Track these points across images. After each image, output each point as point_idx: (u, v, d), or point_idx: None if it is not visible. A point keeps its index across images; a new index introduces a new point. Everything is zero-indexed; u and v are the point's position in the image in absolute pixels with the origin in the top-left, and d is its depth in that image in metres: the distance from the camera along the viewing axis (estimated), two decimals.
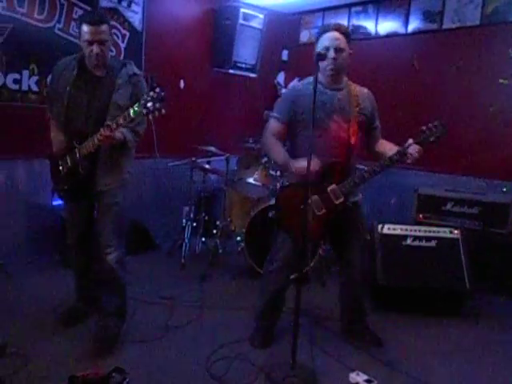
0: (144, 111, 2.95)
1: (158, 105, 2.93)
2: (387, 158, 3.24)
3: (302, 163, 3.19)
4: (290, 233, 3.42)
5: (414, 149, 3.16)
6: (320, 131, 3.25)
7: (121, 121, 3.04)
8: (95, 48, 3.19)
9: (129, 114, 3.01)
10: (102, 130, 3.08)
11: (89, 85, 3.33)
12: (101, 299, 3.60)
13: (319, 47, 3.27)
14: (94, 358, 3.19)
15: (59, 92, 3.34)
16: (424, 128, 3.17)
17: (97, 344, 3.32)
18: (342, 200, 3.29)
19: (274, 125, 3.48)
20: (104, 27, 3.21)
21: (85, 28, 3.17)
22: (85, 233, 3.63)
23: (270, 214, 4.61)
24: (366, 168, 3.29)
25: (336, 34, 3.24)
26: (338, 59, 3.25)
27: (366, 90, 3.52)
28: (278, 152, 3.45)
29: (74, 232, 3.67)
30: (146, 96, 2.95)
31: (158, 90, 2.95)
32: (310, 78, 3.37)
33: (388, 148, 3.42)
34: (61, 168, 3.41)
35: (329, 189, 3.31)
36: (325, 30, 3.30)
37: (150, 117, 2.99)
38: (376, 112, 3.54)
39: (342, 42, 3.25)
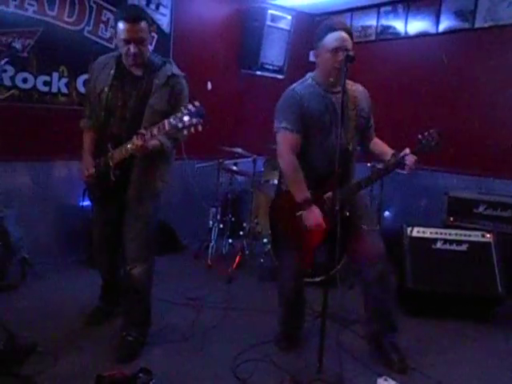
0: (179, 125, 2.78)
1: (195, 120, 2.76)
2: (383, 166, 3.15)
3: (315, 217, 3.10)
4: (291, 243, 3.34)
5: (410, 159, 3.03)
6: (321, 138, 3.13)
7: (155, 132, 2.89)
8: (132, 47, 3.00)
9: (163, 127, 2.84)
10: (134, 138, 2.93)
11: (126, 85, 3.18)
12: (124, 307, 3.54)
13: (325, 47, 3.02)
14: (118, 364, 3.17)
15: (97, 92, 3.21)
16: (420, 137, 3.03)
17: (120, 355, 3.24)
18: (337, 208, 3.02)
19: (289, 138, 3.15)
20: (143, 24, 2.99)
21: (121, 25, 2.96)
22: (109, 235, 3.55)
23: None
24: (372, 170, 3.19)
25: (344, 35, 3.00)
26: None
27: (361, 88, 3.29)
28: (298, 186, 3.15)
29: (98, 233, 3.61)
30: (183, 109, 2.76)
31: (196, 104, 2.78)
32: (308, 79, 3.22)
33: (384, 150, 3.28)
34: (94, 169, 3.30)
35: (325, 196, 3.15)
36: (332, 28, 3.02)
37: (185, 132, 2.80)
38: (371, 111, 3.34)
39: (349, 43, 3.01)
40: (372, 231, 3.27)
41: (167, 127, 2.83)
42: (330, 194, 3.11)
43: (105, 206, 3.48)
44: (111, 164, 3.17)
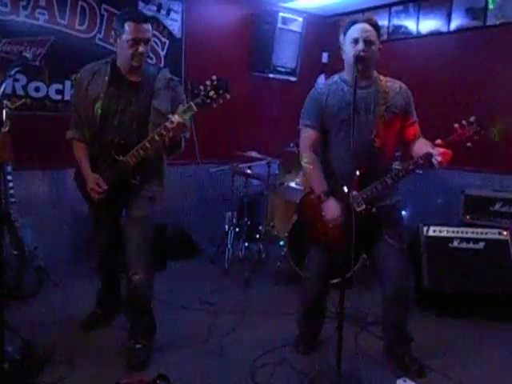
0: (207, 101, 2.89)
1: (221, 91, 2.89)
2: (411, 162, 2.97)
3: (331, 210, 3.08)
4: (316, 242, 3.33)
5: (436, 153, 2.82)
6: (344, 135, 3.07)
7: (180, 116, 2.94)
8: (141, 47, 3.04)
9: (191, 108, 2.93)
10: (171, 116, 2.94)
11: (123, 91, 3.19)
12: (128, 317, 3.54)
13: (347, 40, 3.01)
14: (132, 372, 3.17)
15: (90, 99, 3.18)
16: (457, 126, 2.84)
17: (130, 364, 3.22)
18: (363, 208, 3.03)
19: (307, 134, 3.22)
20: (149, 25, 3.08)
21: (130, 26, 2.99)
22: (112, 244, 3.60)
23: None
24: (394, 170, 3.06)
25: (366, 26, 2.96)
26: (367, 52, 2.93)
27: (398, 85, 3.18)
28: (315, 179, 3.20)
29: (103, 240, 3.63)
30: (203, 87, 2.89)
31: (214, 77, 2.90)
32: (335, 77, 3.22)
33: (421, 150, 3.01)
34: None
35: (351, 194, 2.99)
36: (354, 21, 3.00)
37: (214, 105, 2.90)
38: (411, 107, 3.19)
39: (372, 34, 2.96)
40: (397, 248, 3.20)
41: (195, 108, 2.93)
42: (354, 193, 3.01)
43: (109, 213, 3.47)
44: (127, 170, 3.14)
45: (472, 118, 2.80)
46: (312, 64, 6.97)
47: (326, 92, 3.16)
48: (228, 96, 2.90)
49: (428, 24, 6.07)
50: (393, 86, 3.16)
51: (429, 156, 2.86)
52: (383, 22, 6.50)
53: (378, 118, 3.05)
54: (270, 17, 6.23)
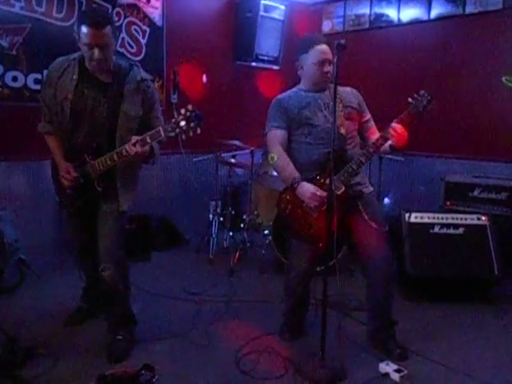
0: (177, 131, 2.80)
1: (192, 124, 2.78)
2: (379, 136, 3.10)
3: (307, 192, 3.11)
4: (301, 238, 3.34)
5: (392, 129, 3.03)
6: (309, 129, 3.25)
7: (148, 139, 2.89)
8: (96, 53, 2.88)
9: (159, 134, 2.86)
10: (129, 144, 2.89)
11: (92, 91, 3.04)
12: (105, 309, 3.49)
13: (310, 59, 3.23)
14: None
15: (59, 99, 3.06)
16: (410, 100, 3.03)
17: (111, 356, 3.18)
18: (342, 190, 3.11)
19: (276, 134, 3.30)
20: (107, 29, 2.86)
21: (84, 30, 2.82)
22: (88, 241, 3.44)
23: None
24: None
25: (327, 48, 3.21)
26: (331, 71, 3.21)
27: (348, 88, 3.42)
28: (286, 169, 3.25)
29: (77, 240, 3.57)
30: (177, 115, 2.79)
31: (190, 107, 2.79)
32: (293, 89, 3.42)
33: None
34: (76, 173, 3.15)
35: (327, 181, 3.06)
36: (315, 42, 3.23)
37: (184, 136, 2.82)
38: (363, 106, 3.43)
39: (331, 54, 3.20)
40: (379, 231, 3.26)
41: (163, 134, 2.85)
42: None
43: (81, 215, 3.38)
44: (94, 174, 3.10)
45: (422, 92, 3.04)
46: (295, 52, 6.95)
47: (287, 97, 3.37)
48: (199, 131, 2.80)
49: (409, 12, 6.12)
50: (343, 88, 3.37)
51: (384, 136, 3.09)
52: (365, 10, 6.53)
53: (339, 111, 3.22)
54: (252, 4, 6.22)
